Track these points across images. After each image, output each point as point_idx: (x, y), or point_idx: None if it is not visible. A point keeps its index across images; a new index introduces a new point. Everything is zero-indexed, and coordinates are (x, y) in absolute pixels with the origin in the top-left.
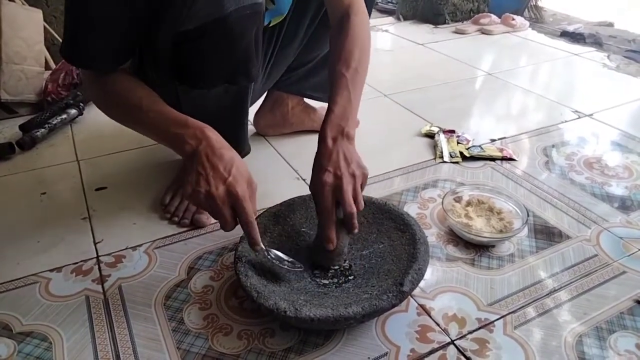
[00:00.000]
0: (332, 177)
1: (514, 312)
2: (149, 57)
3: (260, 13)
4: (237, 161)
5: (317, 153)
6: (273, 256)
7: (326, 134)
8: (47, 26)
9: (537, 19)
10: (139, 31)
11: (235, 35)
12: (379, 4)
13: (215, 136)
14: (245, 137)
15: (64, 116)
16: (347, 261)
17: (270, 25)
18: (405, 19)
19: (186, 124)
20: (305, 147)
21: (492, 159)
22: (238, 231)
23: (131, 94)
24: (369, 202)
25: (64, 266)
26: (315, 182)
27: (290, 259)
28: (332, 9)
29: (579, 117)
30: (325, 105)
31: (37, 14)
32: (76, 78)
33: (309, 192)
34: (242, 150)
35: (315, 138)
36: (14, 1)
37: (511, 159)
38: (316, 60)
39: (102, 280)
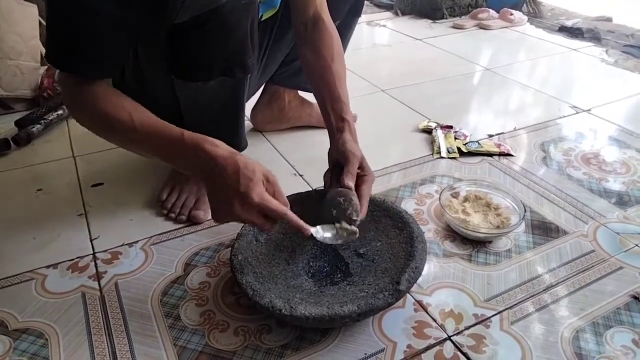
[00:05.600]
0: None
1: (510, 307)
2: (144, 52)
3: (255, 3)
4: (242, 165)
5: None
6: (321, 239)
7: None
8: (42, 21)
9: (536, 14)
10: (133, 34)
11: (231, 26)
12: None
13: (215, 149)
14: (242, 131)
15: (60, 112)
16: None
17: (263, 18)
18: (403, 13)
19: (182, 142)
20: (303, 144)
21: (490, 154)
22: (234, 228)
23: (119, 109)
24: None
25: (60, 263)
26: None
27: (343, 232)
28: (301, 4)
29: (577, 113)
30: None
31: (33, 9)
32: None
33: (307, 189)
34: (239, 145)
35: (313, 134)
36: None
37: (509, 155)
38: None
39: (98, 276)
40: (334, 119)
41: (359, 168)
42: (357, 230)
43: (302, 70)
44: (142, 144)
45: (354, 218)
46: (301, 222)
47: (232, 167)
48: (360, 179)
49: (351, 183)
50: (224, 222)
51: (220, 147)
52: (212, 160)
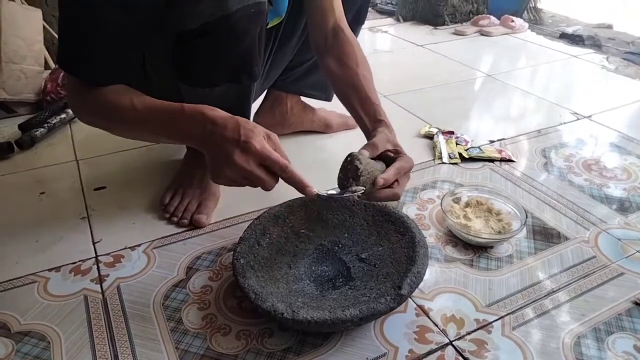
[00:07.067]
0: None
1: (512, 313)
2: (151, 57)
3: (264, 12)
4: (243, 122)
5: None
6: (326, 197)
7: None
8: (46, 25)
9: (536, 21)
10: (144, 40)
11: (239, 34)
12: (378, 4)
13: (214, 112)
14: None
15: (63, 115)
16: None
17: (268, 26)
18: (405, 20)
19: (183, 112)
20: (305, 148)
21: (491, 160)
22: (237, 232)
23: (121, 96)
24: (368, 204)
25: (62, 266)
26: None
27: (346, 191)
28: (319, 16)
29: (578, 119)
30: (324, 104)
31: (37, 13)
32: None
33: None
34: None
35: (315, 139)
36: (13, 0)
37: (510, 160)
38: (313, 60)
39: (100, 280)
40: (369, 121)
41: (393, 152)
42: (363, 188)
43: (306, 76)
44: (144, 123)
45: (359, 168)
46: (304, 179)
47: (233, 123)
48: (395, 158)
49: (367, 150)
50: (223, 182)
51: (219, 111)
52: (212, 122)
